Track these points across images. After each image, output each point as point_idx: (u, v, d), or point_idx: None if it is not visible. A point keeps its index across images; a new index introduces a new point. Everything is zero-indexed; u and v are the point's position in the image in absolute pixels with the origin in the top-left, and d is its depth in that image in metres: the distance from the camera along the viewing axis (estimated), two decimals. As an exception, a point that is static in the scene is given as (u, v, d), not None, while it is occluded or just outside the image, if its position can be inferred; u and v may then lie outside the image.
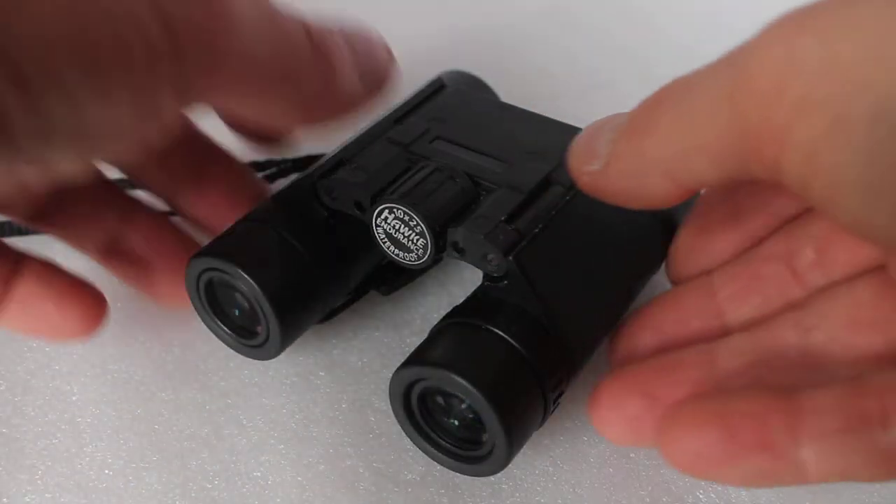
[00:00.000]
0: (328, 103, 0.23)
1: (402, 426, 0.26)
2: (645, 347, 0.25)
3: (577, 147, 0.23)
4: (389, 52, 0.25)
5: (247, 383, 0.29)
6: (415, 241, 0.25)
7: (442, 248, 0.25)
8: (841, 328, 0.23)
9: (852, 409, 0.21)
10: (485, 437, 0.24)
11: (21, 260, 0.27)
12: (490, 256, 0.24)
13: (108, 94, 0.17)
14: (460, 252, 0.25)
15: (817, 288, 0.24)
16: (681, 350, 0.25)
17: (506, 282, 0.24)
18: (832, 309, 0.23)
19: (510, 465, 0.27)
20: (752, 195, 0.26)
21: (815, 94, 0.17)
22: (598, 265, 0.26)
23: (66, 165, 0.18)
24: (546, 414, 0.25)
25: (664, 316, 0.26)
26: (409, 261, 0.26)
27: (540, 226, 0.25)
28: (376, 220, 0.25)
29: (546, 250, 0.25)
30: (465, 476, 0.26)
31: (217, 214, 0.30)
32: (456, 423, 0.25)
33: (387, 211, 0.25)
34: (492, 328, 0.24)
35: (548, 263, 0.25)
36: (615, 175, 0.22)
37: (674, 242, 0.27)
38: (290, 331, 0.27)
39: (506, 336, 0.24)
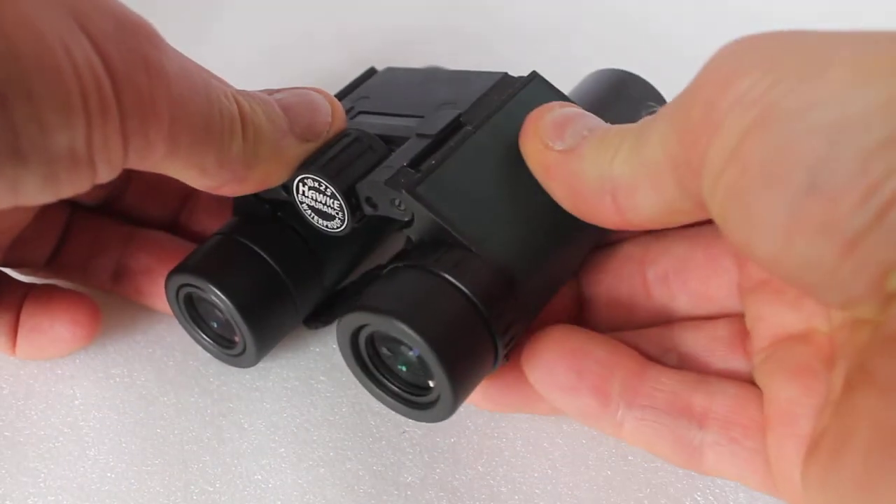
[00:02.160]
0: (255, 162, 0.24)
1: (352, 371, 0.25)
2: None
3: (544, 120, 0.24)
4: (333, 104, 0.26)
5: (248, 387, 0.29)
6: (332, 205, 0.25)
7: (356, 206, 0.25)
8: (702, 347, 0.26)
9: (681, 398, 0.24)
10: (432, 382, 0.24)
11: (27, 289, 0.28)
12: (396, 201, 0.24)
13: (69, 117, 0.18)
14: (373, 206, 0.25)
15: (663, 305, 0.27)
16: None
17: (415, 222, 0.24)
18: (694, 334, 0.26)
19: (508, 468, 0.27)
20: None
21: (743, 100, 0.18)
22: (522, 189, 0.24)
23: (33, 191, 0.19)
24: (497, 352, 0.23)
25: None
26: (337, 228, 0.26)
27: (434, 160, 0.24)
28: (298, 197, 0.26)
29: (450, 180, 0.24)
30: (464, 478, 0.27)
31: (212, 227, 0.31)
32: (404, 368, 0.25)
33: (301, 184, 0.25)
34: (431, 269, 0.23)
35: (455, 192, 0.24)
36: (573, 171, 0.23)
37: None
38: (264, 339, 0.27)
39: (445, 275, 0.23)
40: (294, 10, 0.48)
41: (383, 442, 0.28)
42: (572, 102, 0.26)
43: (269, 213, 0.28)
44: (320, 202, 0.25)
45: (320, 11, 0.48)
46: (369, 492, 0.27)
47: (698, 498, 0.26)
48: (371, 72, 0.31)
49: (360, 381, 0.25)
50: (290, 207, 0.27)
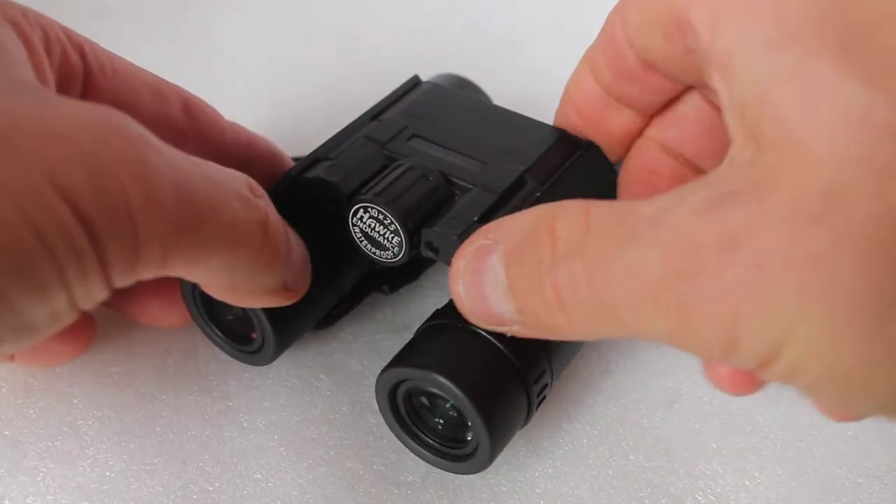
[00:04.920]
0: (278, 265, 0.23)
1: (389, 425, 0.26)
2: None
3: (475, 317, 0.21)
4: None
5: (248, 386, 0.29)
6: (390, 239, 0.25)
7: (416, 245, 0.25)
8: None
9: None
10: (469, 435, 0.25)
11: None
12: None
13: (43, 292, 0.17)
14: (434, 251, 0.25)
15: None
16: None
17: None
18: None
19: (509, 467, 0.27)
20: None
21: None
22: None
23: (13, 348, 0.19)
24: (531, 411, 0.25)
25: None
26: (386, 258, 0.26)
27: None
28: (352, 218, 0.26)
29: None
30: (465, 477, 0.27)
31: None
32: (441, 421, 0.25)
33: (362, 210, 0.25)
34: (471, 327, 0.24)
35: None
36: (540, 329, 0.20)
37: None
38: (284, 337, 0.27)
39: (485, 334, 0.24)
40: (296, 9, 0.48)
41: (384, 441, 0.28)
42: (615, 181, 0.27)
43: (307, 217, 0.27)
44: (377, 231, 0.25)
45: (322, 12, 0.48)
46: (369, 491, 0.26)
47: (699, 498, 0.26)
48: (415, 81, 0.31)
49: (397, 435, 0.26)
50: (326, 217, 0.26)
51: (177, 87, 0.27)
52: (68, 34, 0.23)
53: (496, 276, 0.20)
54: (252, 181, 0.23)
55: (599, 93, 0.25)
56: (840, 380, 0.16)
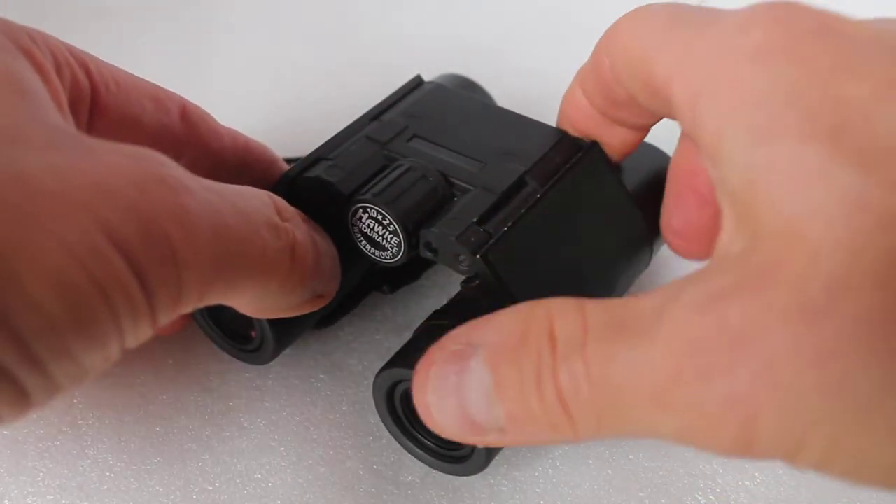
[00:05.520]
0: (307, 285, 0.23)
1: (386, 426, 0.26)
2: None
3: (448, 428, 0.20)
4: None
5: (248, 386, 0.29)
6: (389, 239, 0.25)
7: (415, 246, 0.25)
8: None
9: None
10: None
11: None
12: (461, 257, 0.24)
13: (101, 342, 0.18)
14: (433, 252, 0.25)
15: None
16: None
17: (478, 281, 0.24)
18: None
19: (509, 467, 0.27)
20: None
21: None
22: (575, 260, 0.26)
23: (63, 393, 0.19)
24: None
25: None
26: (385, 259, 0.26)
27: (509, 224, 0.24)
28: (351, 219, 0.26)
29: (516, 248, 0.24)
30: (464, 477, 0.27)
31: None
32: None
33: (361, 210, 0.25)
34: None
35: (519, 261, 0.24)
36: (527, 434, 0.19)
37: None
38: (283, 336, 0.27)
39: None
40: (296, 9, 0.48)
41: (384, 441, 0.28)
42: (616, 182, 0.27)
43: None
44: (377, 232, 0.25)
45: (322, 12, 0.48)
46: (369, 491, 0.26)
47: (699, 497, 0.26)
48: (417, 81, 0.31)
49: (395, 437, 0.26)
50: (326, 217, 0.26)
51: (173, 94, 0.27)
52: (72, 52, 0.23)
53: (481, 381, 0.19)
54: (279, 201, 0.23)
55: (592, 111, 0.26)
56: (873, 469, 0.16)
